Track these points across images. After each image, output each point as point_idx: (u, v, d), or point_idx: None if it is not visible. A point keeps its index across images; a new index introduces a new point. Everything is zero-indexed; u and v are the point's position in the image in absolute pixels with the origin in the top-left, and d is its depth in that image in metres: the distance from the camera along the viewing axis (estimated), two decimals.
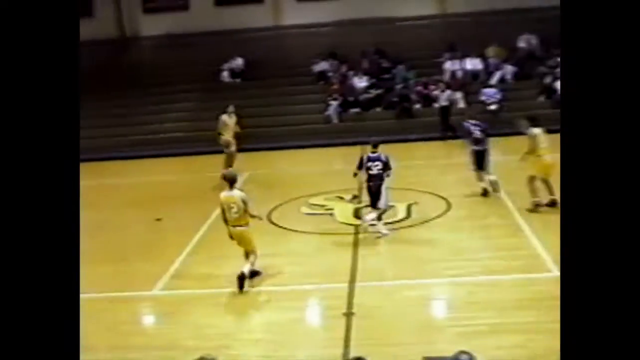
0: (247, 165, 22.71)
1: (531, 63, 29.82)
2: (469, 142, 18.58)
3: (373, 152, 15.86)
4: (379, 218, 15.98)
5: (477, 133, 18.33)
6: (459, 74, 29.45)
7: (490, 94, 27.88)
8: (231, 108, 22.86)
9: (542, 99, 28.24)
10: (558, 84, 27.92)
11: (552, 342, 9.52)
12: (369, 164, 15.76)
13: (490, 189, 18.21)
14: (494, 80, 29.02)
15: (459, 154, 23.02)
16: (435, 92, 28.13)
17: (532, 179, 16.68)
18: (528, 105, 27.51)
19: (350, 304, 12.13)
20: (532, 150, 16.53)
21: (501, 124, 25.42)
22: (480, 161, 18.20)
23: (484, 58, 29.82)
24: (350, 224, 16.76)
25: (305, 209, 18.00)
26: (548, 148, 16.45)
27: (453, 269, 13.58)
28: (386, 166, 15.68)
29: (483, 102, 27.67)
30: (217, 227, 16.94)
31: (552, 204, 16.54)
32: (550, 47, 29.67)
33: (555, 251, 13.97)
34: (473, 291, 12.63)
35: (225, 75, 31.26)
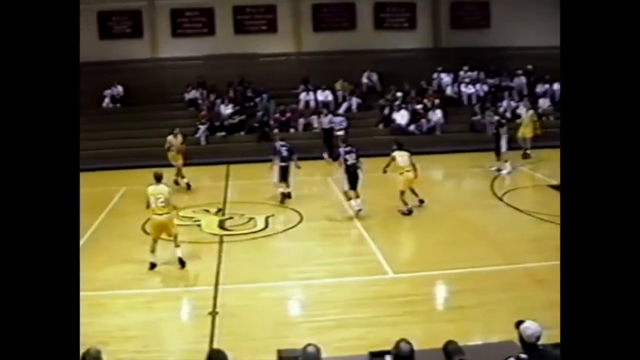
0: (124, 181, 22.28)
1: (372, 96, 30.45)
2: (277, 159, 19.49)
3: (346, 147, 17.92)
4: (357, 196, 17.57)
5: (284, 152, 19.44)
6: (312, 103, 29.75)
7: (338, 122, 28.22)
8: (177, 130, 22.53)
9: (380, 127, 28.84)
10: (394, 115, 28.61)
11: (388, 333, 9.73)
12: (347, 156, 17.64)
13: (286, 193, 19.56)
14: (341, 110, 29.43)
15: (312, 172, 23.24)
16: (321, 118, 28.30)
17: (402, 193, 17.76)
18: (369, 132, 28.15)
19: (215, 305, 12.04)
20: (393, 167, 17.99)
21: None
22: (284, 175, 19.38)
23: (333, 91, 30.20)
24: (215, 234, 16.62)
25: (175, 221, 17.71)
26: (407, 166, 17.64)
27: (305, 272, 13.69)
28: (358, 156, 17.76)
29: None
30: (97, 237, 16.55)
31: (420, 202, 18.44)
32: (387, 83, 30.42)
33: (390, 256, 14.34)
34: (321, 292, 12.75)
35: (106, 101, 30.62)
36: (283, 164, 19.33)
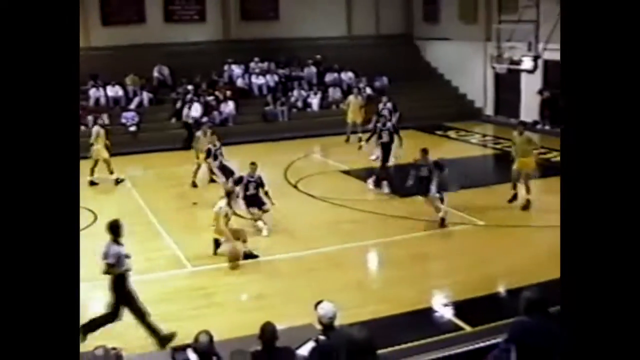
0: None
1: (163, 90, 29.99)
2: None
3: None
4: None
5: None
6: (102, 100, 28.84)
7: (129, 117, 27.62)
8: (101, 119, 22.12)
9: (173, 121, 28.44)
10: (184, 109, 28.19)
11: (189, 327, 9.68)
12: (249, 184, 15.94)
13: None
14: (133, 105, 28.75)
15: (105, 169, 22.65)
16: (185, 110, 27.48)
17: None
18: (162, 127, 27.78)
19: None
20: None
21: (139, 143, 25.62)
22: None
23: (123, 86, 29.44)
24: None
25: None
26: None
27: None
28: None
29: (124, 125, 27.36)
30: None
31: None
32: (179, 76, 30.06)
33: (187, 249, 14.29)
34: None
35: None
36: None
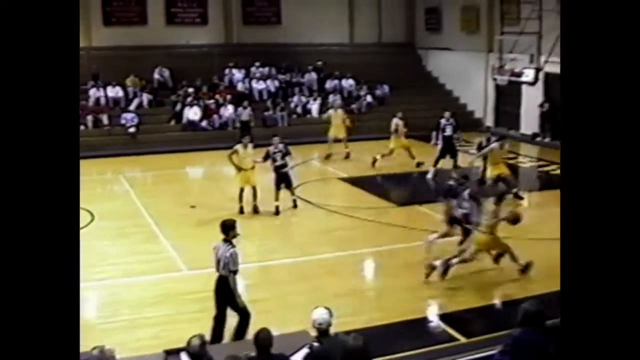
0: None
1: (163, 92, 29.99)
2: None
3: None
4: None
5: None
6: (102, 100, 28.82)
7: (129, 119, 27.60)
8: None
9: (172, 123, 28.48)
10: (186, 111, 28.28)
11: (183, 331, 9.62)
12: (275, 155, 17.49)
13: None
14: (133, 106, 28.74)
15: (104, 170, 22.67)
16: (239, 111, 27.94)
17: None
18: (161, 129, 27.82)
19: None
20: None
21: (138, 145, 25.65)
22: None
23: (123, 87, 29.43)
24: None
25: None
26: None
27: (97, 273, 13.24)
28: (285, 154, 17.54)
29: (123, 126, 27.37)
30: None
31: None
32: (179, 78, 30.08)
33: (184, 253, 14.25)
34: (114, 292, 12.45)
35: None
36: None
